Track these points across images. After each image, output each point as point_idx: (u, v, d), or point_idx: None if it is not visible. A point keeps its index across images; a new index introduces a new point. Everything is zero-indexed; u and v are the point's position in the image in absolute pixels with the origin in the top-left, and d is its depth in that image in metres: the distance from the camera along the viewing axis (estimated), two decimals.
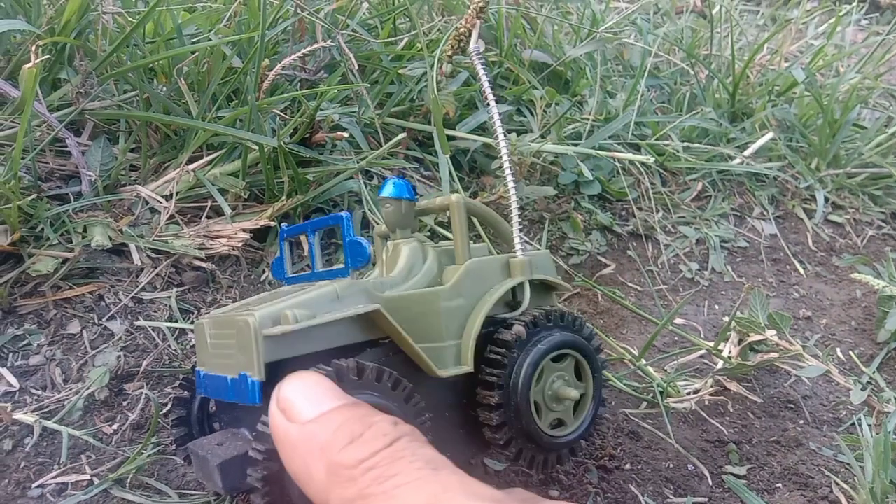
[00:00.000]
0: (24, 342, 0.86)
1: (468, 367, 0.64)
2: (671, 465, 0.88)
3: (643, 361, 0.97)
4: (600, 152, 1.22)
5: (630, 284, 1.20)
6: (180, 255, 0.96)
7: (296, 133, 1.00)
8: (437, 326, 0.64)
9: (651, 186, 1.38)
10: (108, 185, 0.99)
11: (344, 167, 1.04)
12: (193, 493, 0.74)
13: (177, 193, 0.98)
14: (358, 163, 1.06)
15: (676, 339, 1.10)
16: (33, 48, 0.87)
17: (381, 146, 1.10)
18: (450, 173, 1.11)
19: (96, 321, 0.89)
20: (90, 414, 0.80)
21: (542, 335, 0.67)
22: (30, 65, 0.88)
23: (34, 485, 0.73)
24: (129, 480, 0.74)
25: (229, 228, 0.98)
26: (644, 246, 1.29)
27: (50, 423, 0.78)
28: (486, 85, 0.73)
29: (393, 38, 1.27)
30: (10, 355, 0.84)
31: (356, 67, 1.07)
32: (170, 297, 0.92)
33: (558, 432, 0.68)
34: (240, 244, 0.98)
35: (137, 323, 0.89)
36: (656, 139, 1.43)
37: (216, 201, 0.99)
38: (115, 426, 0.79)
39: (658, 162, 1.40)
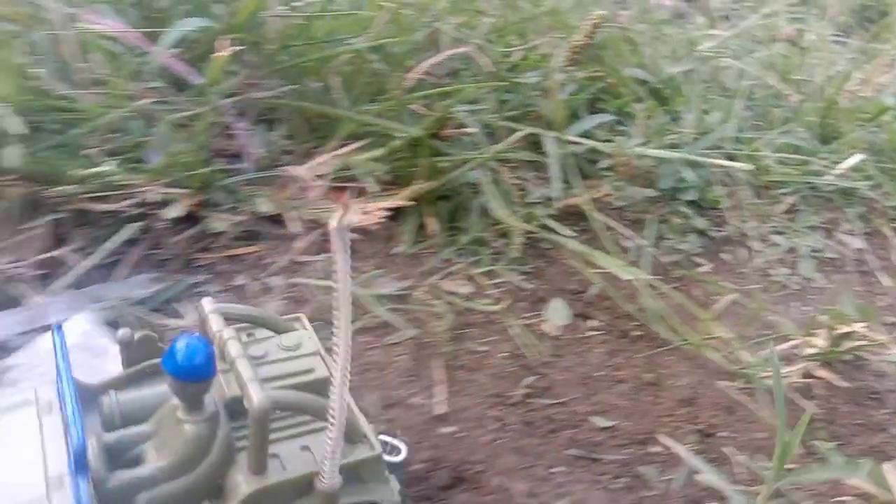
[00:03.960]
0: (200, 289, 1.01)
1: None
2: (763, 436, 0.96)
3: (739, 344, 1.06)
4: (701, 159, 1.31)
5: (723, 283, 1.29)
6: (328, 226, 1.10)
7: (430, 127, 1.14)
8: None
9: (744, 198, 1.46)
10: (267, 165, 1.14)
11: (469, 158, 1.17)
12: None
13: (326, 174, 1.13)
14: (481, 156, 1.19)
15: (768, 332, 1.18)
16: (223, 42, 1.03)
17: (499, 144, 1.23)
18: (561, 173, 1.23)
19: (259, 276, 1.04)
20: None
21: None
22: (219, 54, 1.04)
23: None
24: None
25: (370, 207, 1.12)
26: (736, 251, 1.38)
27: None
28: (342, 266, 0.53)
29: (509, 49, 1.41)
30: (190, 300, 0.99)
31: (490, 70, 1.21)
32: (320, 261, 1.07)
33: None
34: (378, 221, 1.12)
35: (294, 280, 1.04)
36: (751, 152, 1.52)
37: (360, 183, 1.13)
38: None
39: (752, 173, 1.49)
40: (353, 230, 1.10)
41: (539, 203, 1.23)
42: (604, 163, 1.30)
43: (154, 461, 0.57)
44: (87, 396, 0.62)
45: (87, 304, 0.93)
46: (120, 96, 1.05)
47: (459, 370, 0.97)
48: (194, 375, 0.56)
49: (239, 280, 1.03)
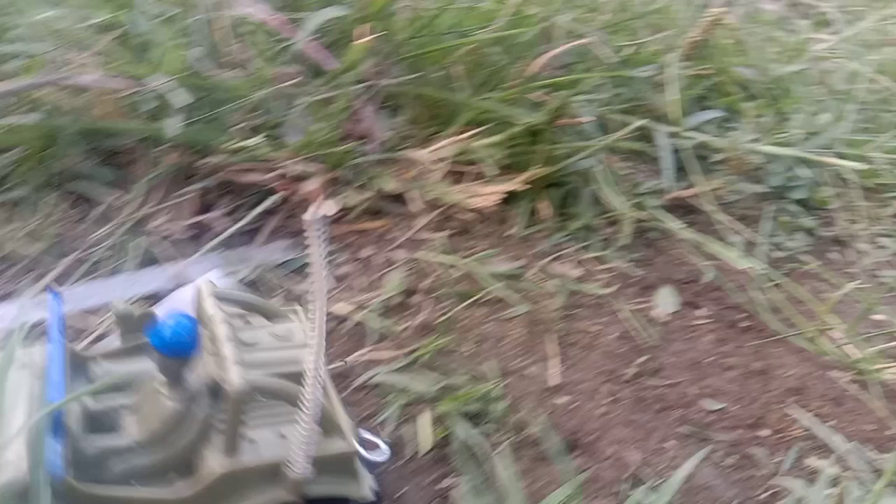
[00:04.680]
0: (330, 259, 1.08)
1: None
2: (873, 428, 0.97)
3: (851, 337, 1.07)
4: (814, 157, 1.32)
5: (830, 282, 1.29)
6: (448, 206, 1.16)
7: (549, 116, 1.18)
8: None
9: (853, 199, 1.45)
10: (392, 148, 1.21)
11: (583, 147, 1.21)
12: (463, 371, 0.92)
13: (446, 158, 1.19)
14: (594, 145, 1.23)
15: (877, 330, 1.17)
16: (363, 29, 1.11)
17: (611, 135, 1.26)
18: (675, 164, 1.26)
19: (383, 250, 1.11)
20: (386, 314, 1.00)
21: None
22: (359, 41, 1.12)
23: (347, 357, 0.94)
24: (420, 362, 0.93)
25: (487, 190, 1.18)
26: (844, 251, 1.37)
27: (358, 316, 0.99)
28: (317, 256, 0.58)
29: (621, 45, 1.44)
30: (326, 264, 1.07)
31: (605, 63, 1.25)
32: (439, 238, 1.13)
33: None
34: (494, 203, 1.17)
35: (414, 255, 1.10)
36: (861, 154, 1.50)
37: (478, 167, 1.19)
38: (404, 325, 0.99)
39: (861, 175, 1.48)
40: (473, 210, 1.16)
41: (649, 193, 1.26)
42: (715, 157, 1.32)
43: (132, 432, 0.60)
44: (80, 364, 0.65)
45: (230, 266, 1.01)
46: (263, 78, 1.14)
47: (571, 347, 1.01)
48: (178, 352, 0.57)
49: (365, 252, 1.10)
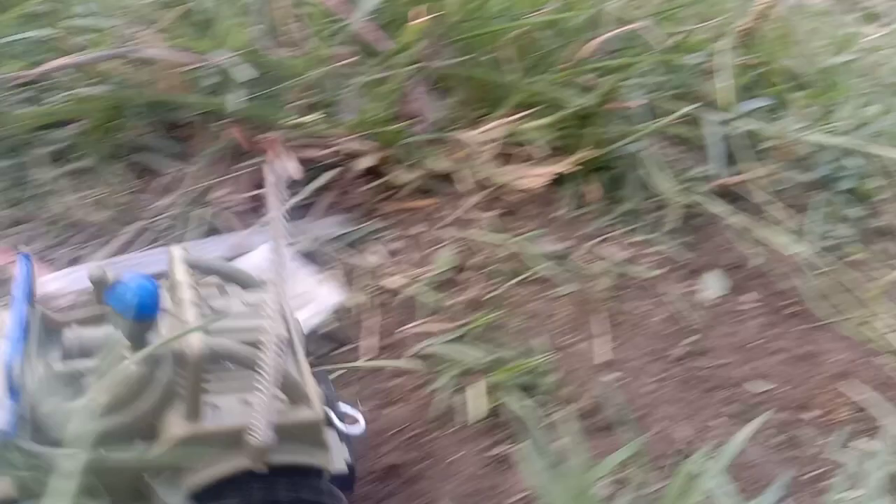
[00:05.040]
0: (381, 234, 1.11)
1: None
2: None
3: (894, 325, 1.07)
4: (863, 147, 1.31)
5: (877, 271, 1.28)
6: (497, 186, 1.18)
7: (599, 99, 1.20)
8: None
9: None
10: (442, 128, 1.23)
11: (632, 131, 1.22)
12: (513, 345, 0.94)
13: (495, 139, 1.21)
14: (643, 130, 1.24)
15: None
16: (419, 10, 1.12)
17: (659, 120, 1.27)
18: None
19: (433, 228, 1.13)
20: (437, 289, 1.02)
21: None
22: (414, 23, 1.14)
23: (399, 328, 0.97)
24: (470, 336, 0.95)
25: (535, 171, 1.19)
26: (890, 243, 1.36)
27: (410, 290, 1.01)
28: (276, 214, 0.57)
29: (670, 32, 1.44)
30: (373, 243, 1.09)
31: (654, 48, 1.25)
32: (487, 218, 1.14)
33: None
34: (542, 185, 1.18)
35: (464, 234, 1.12)
36: None
37: (527, 148, 1.20)
38: (455, 300, 1.01)
39: None
40: (521, 191, 1.18)
41: (696, 179, 1.26)
42: (763, 145, 1.32)
43: (95, 395, 0.58)
44: (54, 329, 0.65)
45: (284, 239, 1.04)
46: (319, 57, 1.16)
47: (619, 326, 1.02)
48: (138, 315, 0.57)
49: (414, 229, 1.12)
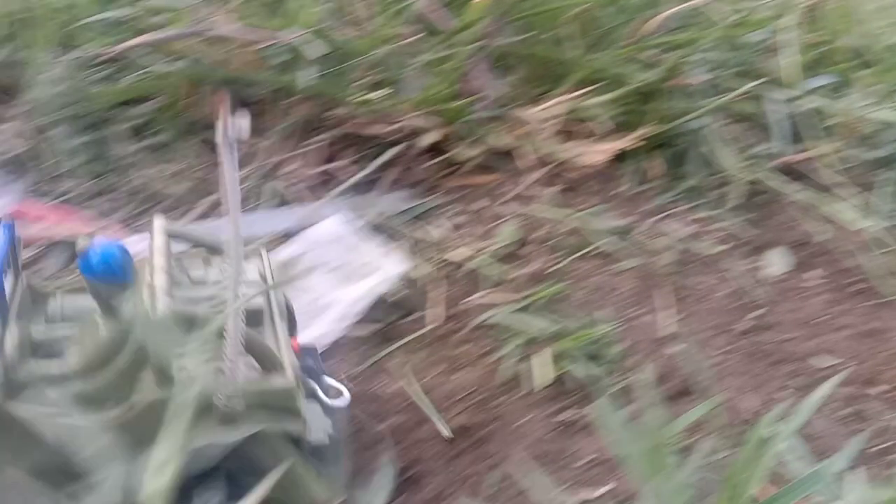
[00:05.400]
0: (444, 209, 1.13)
1: None
2: None
3: None
4: None
5: None
6: (558, 162, 1.19)
7: (663, 75, 1.20)
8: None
9: None
10: (503, 105, 1.24)
11: (695, 107, 1.22)
12: (577, 316, 0.95)
13: (556, 116, 1.22)
14: (706, 106, 1.23)
15: None
16: None
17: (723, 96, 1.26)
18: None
19: (495, 203, 1.15)
20: (500, 262, 1.04)
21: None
22: (478, 0, 1.15)
23: (464, 299, 0.99)
24: (534, 307, 0.97)
25: (597, 147, 1.20)
26: None
27: (473, 262, 1.03)
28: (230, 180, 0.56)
29: (734, 8, 1.43)
30: (436, 218, 1.11)
31: (717, 25, 1.25)
32: (550, 194, 1.16)
33: None
34: (604, 161, 1.19)
35: (525, 209, 1.13)
36: None
37: (589, 125, 1.21)
38: (517, 273, 1.03)
39: None
40: (583, 167, 1.19)
41: (760, 156, 1.25)
42: (828, 123, 1.30)
43: (70, 360, 0.60)
44: (39, 298, 0.66)
45: (354, 211, 1.07)
46: (384, 36, 1.18)
47: (682, 301, 1.03)
48: (105, 278, 0.57)
49: (476, 205, 1.14)
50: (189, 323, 0.58)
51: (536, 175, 1.18)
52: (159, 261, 0.61)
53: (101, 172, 1.05)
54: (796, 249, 1.14)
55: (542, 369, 0.88)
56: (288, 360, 0.62)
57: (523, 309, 0.97)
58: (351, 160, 1.13)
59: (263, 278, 0.69)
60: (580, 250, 1.07)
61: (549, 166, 1.19)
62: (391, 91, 1.16)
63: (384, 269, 0.99)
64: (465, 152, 1.18)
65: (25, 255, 0.93)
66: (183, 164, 1.08)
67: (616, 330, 0.95)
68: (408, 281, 0.99)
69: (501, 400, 0.86)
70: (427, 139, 1.15)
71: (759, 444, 0.67)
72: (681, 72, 1.24)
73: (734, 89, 1.28)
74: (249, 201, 1.04)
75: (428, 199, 1.13)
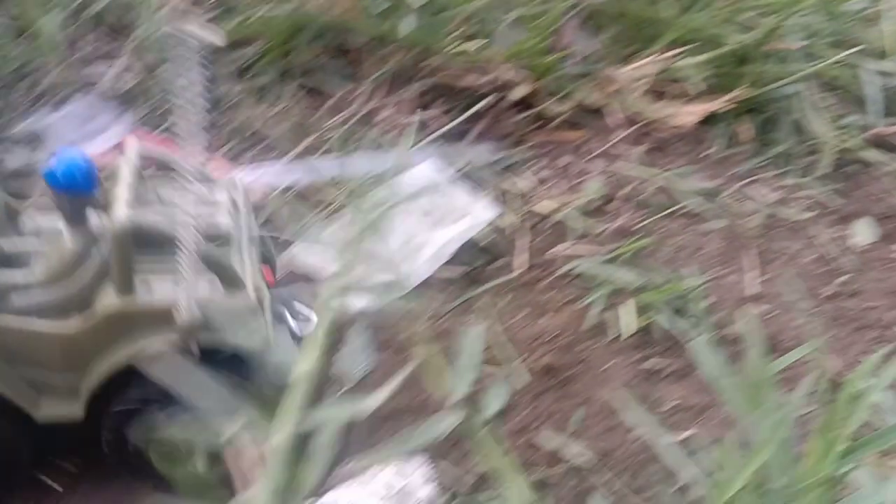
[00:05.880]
0: (530, 163, 1.14)
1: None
2: None
3: None
4: None
5: None
6: (646, 122, 1.19)
7: (759, 39, 1.18)
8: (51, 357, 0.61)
9: None
10: (593, 63, 1.25)
11: (789, 73, 1.20)
12: (662, 272, 0.96)
13: (647, 76, 1.21)
14: (801, 72, 1.21)
15: None
16: None
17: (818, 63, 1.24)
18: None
19: (581, 159, 1.16)
20: (586, 216, 1.06)
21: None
22: None
23: (550, 249, 1.01)
24: (620, 260, 0.99)
25: (687, 109, 1.20)
26: None
27: (559, 215, 1.05)
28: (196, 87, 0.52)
29: None
30: (522, 171, 1.13)
31: None
32: (637, 152, 1.16)
33: None
34: (693, 122, 1.19)
35: (610, 167, 1.14)
36: None
37: (679, 86, 1.20)
38: (603, 227, 1.04)
39: None
40: (672, 128, 1.19)
41: (851, 127, 1.23)
42: None
43: (36, 271, 0.62)
44: (13, 216, 0.68)
45: (444, 158, 1.09)
46: None
47: (768, 264, 1.03)
48: (70, 188, 0.59)
49: (562, 160, 1.16)
50: (149, 235, 0.60)
51: (624, 133, 1.19)
52: (125, 175, 0.63)
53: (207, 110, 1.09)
54: (883, 221, 1.12)
55: (628, 318, 0.90)
56: (252, 281, 0.64)
57: (609, 261, 0.98)
58: (442, 110, 1.15)
59: (235, 205, 0.70)
60: (666, 209, 1.08)
61: (638, 125, 1.19)
62: (485, 43, 1.17)
63: (473, 215, 1.02)
64: (553, 107, 1.19)
65: None
66: (282, 107, 1.11)
67: (702, 286, 0.96)
68: (495, 228, 1.02)
69: (586, 345, 0.88)
70: (517, 93, 1.17)
71: (853, 394, 0.68)
72: (777, 36, 1.22)
73: (829, 57, 1.26)
74: (347, 145, 1.08)
75: (515, 151, 1.15)
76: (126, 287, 0.60)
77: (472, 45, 1.15)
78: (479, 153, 1.13)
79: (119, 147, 1.01)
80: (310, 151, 1.08)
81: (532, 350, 0.87)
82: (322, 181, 1.02)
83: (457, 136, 1.14)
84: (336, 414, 0.49)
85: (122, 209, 0.58)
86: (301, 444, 0.47)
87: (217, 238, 0.65)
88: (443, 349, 0.58)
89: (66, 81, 1.06)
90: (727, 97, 1.18)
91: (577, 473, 0.75)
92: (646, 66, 1.22)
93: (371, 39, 1.15)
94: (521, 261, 0.99)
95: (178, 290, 0.59)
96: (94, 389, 0.62)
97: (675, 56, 1.22)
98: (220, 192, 0.69)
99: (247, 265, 0.66)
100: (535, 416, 0.80)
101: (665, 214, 1.07)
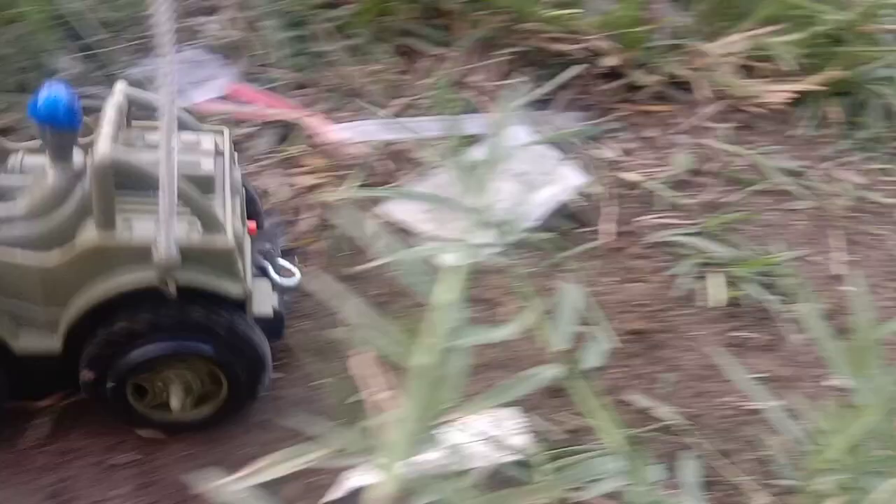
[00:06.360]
0: (617, 133, 1.15)
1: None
2: None
3: None
4: None
5: None
6: (735, 98, 1.19)
7: (856, 18, 1.17)
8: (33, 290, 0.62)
9: None
10: (683, 36, 1.24)
11: (884, 55, 1.19)
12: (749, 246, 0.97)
13: (738, 52, 1.21)
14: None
15: None
16: None
17: None
18: None
19: (667, 132, 1.16)
20: (674, 188, 1.06)
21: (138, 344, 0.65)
22: None
23: (636, 218, 1.02)
24: (708, 233, 0.99)
25: (777, 87, 1.19)
26: None
27: (646, 185, 1.06)
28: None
29: None
30: (609, 140, 1.14)
31: None
32: (724, 128, 1.16)
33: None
34: (782, 101, 1.18)
35: (699, 140, 1.15)
36: None
37: (770, 63, 1.20)
38: (691, 200, 1.05)
39: None
40: (760, 105, 1.19)
41: None
42: None
43: (20, 205, 0.63)
44: (3, 153, 0.70)
45: (533, 125, 1.11)
46: None
47: (854, 245, 1.03)
48: (54, 121, 0.59)
49: (649, 133, 1.16)
50: (131, 174, 0.60)
51: (712, 109, 1.18)
52: (110, 113, 0.63)
53: (304, 66, 1.12)
54: None
55: (716, 289, 0.91)
56: (231, 226, 0.65)
57: (697, 233, 0.99)
58: (531, 76, 1.16)
59: (219, 152, 0.71)
60: (752, 186, 1.08)
61: (725, 102, 1.19)
62: (576, 11, 1.18)
63: (563, 180, 1.03)
64: (642, 79, 1.19)
65: (241, 132, 1.02)
66: (376, 67, 1.14)
67: (789, 263, 0.96)
68: (583, 195, 1.03)
69: (675, 313, 0.90)
70: (607, 62, 1.17)
71: None
72: (872, 17, 1.21)
73: None
74: (438, 106, 1.10)
75: (602, 121, 1.15)
76: (106, 223, 0.60)
77: (565, 12, 1.16)
78: (567, 120, 1.14)
79: (224, 98, 1.05)
80: (403, 111, 1.10)
81: (620, 314, 0.89)
82: (416, 140, 1.04)
83: (544, 103, 1.15)
84: (475, 338, 0.51)
85: (104, 145, 0.59)
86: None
87: (199, 182, 0.65)
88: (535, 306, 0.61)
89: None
90: (817, 78, 1.18)
91: (668, 432, 0.77)
92: (736, 42, 1.21)
93: (465, 3, 1.16)
94: (608, 228, 1.00)
95: (156, 228, 0.60)
96: (71, 323, 0.64)
97: (766, 33, 1.21)
98: (207, 140, 0.69)
99: (227, 210, 0.67)
100: (625, 378, 0.82)
101: (752, 191, 1.07)
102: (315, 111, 1.06)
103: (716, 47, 1.21)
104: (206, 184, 0.66)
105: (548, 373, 0.63)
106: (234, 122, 1.03)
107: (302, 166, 0.99)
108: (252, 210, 0.79)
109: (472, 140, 1.06)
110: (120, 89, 0.68)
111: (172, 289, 0.62)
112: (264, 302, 0.72)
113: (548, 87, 1.15)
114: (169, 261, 0.60)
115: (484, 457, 0.68)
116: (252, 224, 0.76)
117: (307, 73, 1.12)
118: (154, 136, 0.66)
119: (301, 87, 1.11)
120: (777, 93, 1.18)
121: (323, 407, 0.77)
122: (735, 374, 0.75)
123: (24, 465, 0.70)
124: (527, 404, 0.77)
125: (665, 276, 0.94)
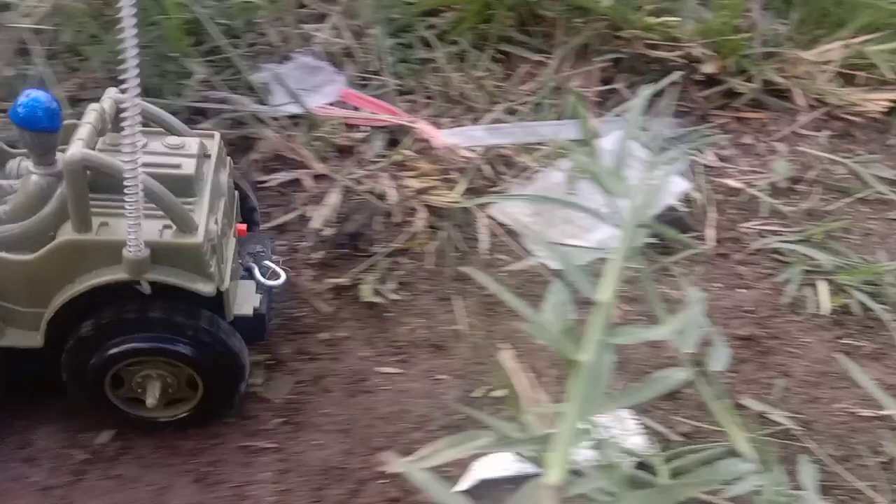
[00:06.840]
0: (712, 142, 1.16)
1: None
2: None
3: None
4: None
5: None
6: (832, 106, 1.19)
7: None
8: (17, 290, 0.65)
9: None
10: (779, 44, 1.25)
11: None
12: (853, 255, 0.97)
13: (836, 60, 1.21)
14: None
15: None
16: None
17: None
18: None
19: (764, 140, 1.17)
20: (774, 195, 1.07)
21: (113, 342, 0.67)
22: None
23: (739, 224, 1.03)
24: (811, 241, 1.00)
25: (875, 95, 1.19)
26: None
27: (748, 191, 1.07)
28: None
29: None
30: (707, 147, 1.15)
31: None
32: (821, 137, 1.17)
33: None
34: (881, 110, 1.18)
35: (796, 148, 1.15)
36: None
37: (869, 72, 1.20)
38: (793, 207, 1.06)
39: None
40: (858, 114, 1.19)
41: None
42: None
43: (4, 207, 0.65)
44: (4, 156, 0.72)
45: (630, 131, 1.13)
46: None
47: None
48: (31, 124, 0.61)
49: (746, 140, 1.17)
50: (101, 172, 0.62)
51: (809, 117, 1.19)
52: (89, 116, 0.65)
53: (408, 72, 1.16)
54: None
55: (824, 297, 0.92)
56: (205, 226, 0.65)
57: (801, 241, 1.00)
58: (629, 82, 1.18)
59: (205, 155, 0.72)
60: (853, 194, 1.09)
61: (823, 110, 1.20)
62: (675, 19, 1.19)
63: (666, 185, 1.05)
64: (738, 86, 1.20)
65: (354, 136, 1.06)
66: (477, 73, 1.17)
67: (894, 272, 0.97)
68: (685, 200, 1.05)
69: (782, 319, 0.91)
70: (704, 69, 1.19)
71: None
72: None
73: None
74: (539, 112, 1.12)
75: (699, 128, 1.17)
76: (80, 221, 0.62)
77: (664, 20, 1.17)
78: (664, 126, 1.16)
79: (335, 104, 1.10)
80: (505, 116, 1.13)
81: (730, 320, 0.91)
82: (518, 145, 1.07)
83: (643, 108, 1.17)
84: (631, 337, 0.54)
85: (76, 147, 0.61)
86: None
87: (176, 182, 0.66)
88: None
89: (287, 38, 1.15)
90: None
91: (784, 437, 0.78)
92: (834, 49, 1.21)
93: (565, 9, 1.18)
94: (710, 234, 1.02)
95: (125, 226, 0.61)
96: (49, 319, 0.67)
97: (864, 41, 1.21)
98: (193, 144, 0.71)
99: (204, 210, 0.67)
100: (737, 383, 0.84)
101: (853, 200, 1.08)
102: (420, 116, 1.09)
103: (813, 55, 1.22)
104: (184, 185, 0.67)
105: (678, 375, 0.65)
106: (347, 126, 1.07)
107: (412, 169, 1.03)
108: (249, 215, 0.81)
109: (573, 145, 1.08)
110: (109, 96, 0.71)
111: (146, 286, 0.65)
112: (245, 302, 0.74)
113: (647, 93, 1.16)
114: (137, 258, 0.61)
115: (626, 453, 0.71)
116: (241, 226, 0.78)
117: (411, 79, 1.15)
118: (143, 140, 0.68)
119: (406, 92, 1.15)
120: (875, 101, 1.18)
121: (445, 401, 0.81)
122: (860, 378, 0.76)
123: (173, 448, 0.75)
124: (639, 406, 0.79)
125: (771, 282, 0.95)
